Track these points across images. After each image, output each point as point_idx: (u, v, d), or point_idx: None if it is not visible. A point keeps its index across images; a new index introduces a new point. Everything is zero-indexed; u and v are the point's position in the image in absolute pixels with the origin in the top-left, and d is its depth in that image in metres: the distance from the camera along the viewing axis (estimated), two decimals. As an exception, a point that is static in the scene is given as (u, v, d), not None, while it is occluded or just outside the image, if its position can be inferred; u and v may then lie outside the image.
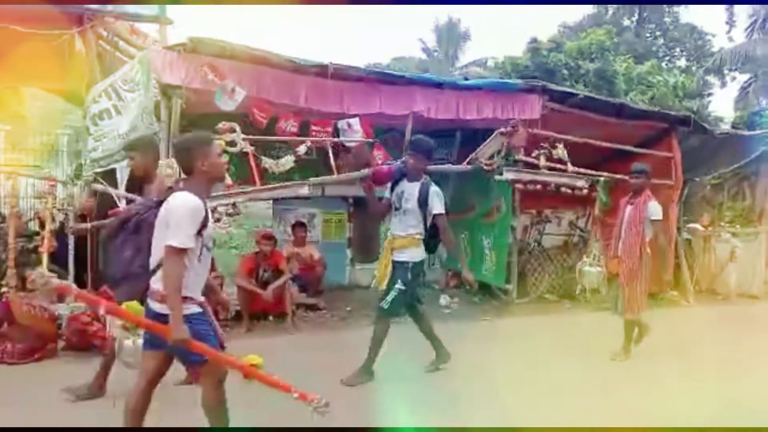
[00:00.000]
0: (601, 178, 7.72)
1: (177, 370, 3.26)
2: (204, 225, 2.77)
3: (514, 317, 7.42)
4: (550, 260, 8.79)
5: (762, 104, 17.61)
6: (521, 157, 7.57)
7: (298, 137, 6.82)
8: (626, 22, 26.00)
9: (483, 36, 51.76)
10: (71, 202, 6.31)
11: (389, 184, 4.81)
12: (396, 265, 4.66)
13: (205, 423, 2.99)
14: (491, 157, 7.61)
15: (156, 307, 2.78)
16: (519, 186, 7.66)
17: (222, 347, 2.90)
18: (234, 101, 6.09)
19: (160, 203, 2.88)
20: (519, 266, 8.22)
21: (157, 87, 5.96)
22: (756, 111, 16.05)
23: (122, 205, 5.34)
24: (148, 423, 2.98)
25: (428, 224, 4.66)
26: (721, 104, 38.93)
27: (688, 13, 28.54)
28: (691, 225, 9.96)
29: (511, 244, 7.97)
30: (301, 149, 6.69)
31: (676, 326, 7.12)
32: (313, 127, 6.85)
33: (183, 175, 3.01)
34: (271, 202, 8.51)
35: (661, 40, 26.16)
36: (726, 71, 20.58)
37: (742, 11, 21.04)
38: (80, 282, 5.97)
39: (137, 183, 4.41)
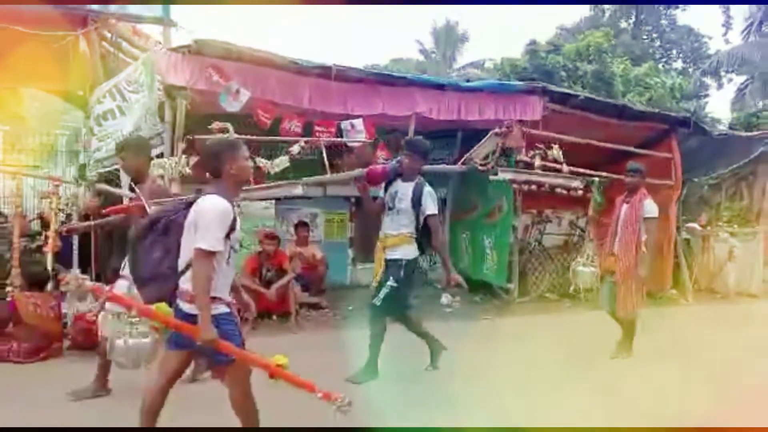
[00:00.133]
0: (596, 179, 7.69)
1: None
2: (233, 228, 2.82)
3: (515, 316, 7.48)
4: (551, 259, 8.86)
5: (759, 105, 17.70)
6: (522, 157, 7.62)
7: (302, 137, 6.84)
8: (623, 25, 26.09)
9: (480, 38, 51.96)
10: (75, 202, 6.32)
11: (383, 184, 4.81)
12: (389, 263, 4.63)
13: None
14: (486, 157, 7.62)
15: (185, 307, 2.83)
16: (515, 186, 7.70)
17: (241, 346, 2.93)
18: (239, 102, 6.12)
19: (189, 205, 2.92)
20: (520, 265, 8.27)
21: (161, 88, 6.00)
22: (753, 112, 16.16)
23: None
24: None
25: (421, 224, 4.64)
26: (718, 106, 39.25)
27: (684, 16, 28.78)
28: (690, 225, 10.05)
29: (512, 244, 8.02)
30: (295, 149, 6.70)
31: (676, 325, 7.20)
32: (317, 128, 6.88)
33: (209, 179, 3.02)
34: (272, 202, 8.53)
35: (658, 42, 26.29)
36: (722, 73, 20.71)
37: (738, 13, 21.19)
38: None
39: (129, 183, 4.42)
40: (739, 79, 20.78)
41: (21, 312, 5.04)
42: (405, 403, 4.08)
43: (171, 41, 6.61)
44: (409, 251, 4.64)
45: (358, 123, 6.97)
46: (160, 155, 6.28)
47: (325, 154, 6.88)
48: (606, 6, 26.02)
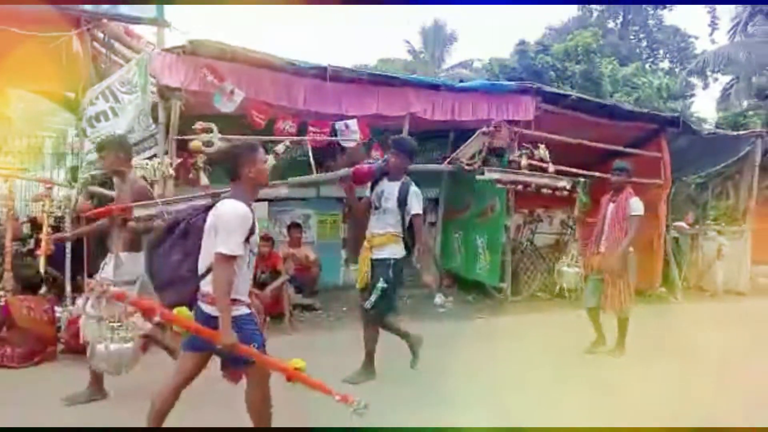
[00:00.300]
0: (581, 179, 7.70)
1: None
2: (252, 232, 2.85)
3: (509, 315, 7.53)
4: (542, 259, 8.92)
5: (743, 105, 17.91)
6: (515, 157, 7.66)
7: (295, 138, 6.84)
8: (611, 25, 26.33)
9: (469, 38, 52.03)
10: (68, 204, 6.26)
11: (369, 184, 4.79)
12: (376, 263, 4.60)
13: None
14: (472, 156, 7.64)
15: (207, 308, 2.86)
16: (500, 186, 7.69)
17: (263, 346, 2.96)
18: (233, 103, 6.11)
19: (208, 208, 2.94)
20: (512, 265, 8.32)
21: (155, 89, 5.96)
22: (740, 112, 16.38)
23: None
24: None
25: (407, 224, 4.63)
26: (704, 105, 39.66)
27: (671, 16, 29.06)
28: (677, 223, 10.17)
29: (505, 243, 8.07)
30: (280, 148, 6.68)
31: (665, 322, 7.30)
32: (311, 128, 6.88)
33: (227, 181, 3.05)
34: (265, 203, 8.51)
35: (644, 42, 26.57)
36: (708, 73, 20.88)
37: (724, 14, 21.43)
38: (75, 284, 5.94)
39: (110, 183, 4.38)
40: (724, 79, 20.99)
41: (14, 316, 4.97)
42: (401, 403, 4.10)
43: (164, 42, 6.56)
44: (396, 250, 4.62)
45: (353, 123, 6.98)
46: (153, 156, 6.26)
47: (311, 154, 6.87)
48: (594, 6, 26.23)
